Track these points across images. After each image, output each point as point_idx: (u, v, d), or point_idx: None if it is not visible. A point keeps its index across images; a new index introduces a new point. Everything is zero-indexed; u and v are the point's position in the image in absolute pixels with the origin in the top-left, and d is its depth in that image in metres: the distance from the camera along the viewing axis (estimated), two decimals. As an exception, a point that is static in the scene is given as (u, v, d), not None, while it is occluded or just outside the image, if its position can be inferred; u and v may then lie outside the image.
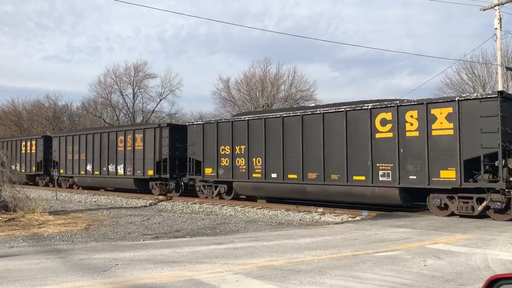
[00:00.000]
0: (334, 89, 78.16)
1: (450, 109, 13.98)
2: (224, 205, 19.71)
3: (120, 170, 26.04)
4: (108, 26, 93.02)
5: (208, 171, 21.10)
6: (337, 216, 15.93)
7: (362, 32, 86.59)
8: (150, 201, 22.83)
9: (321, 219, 15.81)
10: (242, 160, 19.76)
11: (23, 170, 34.08)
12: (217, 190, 21.26)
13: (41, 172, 33.27)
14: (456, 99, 13.97)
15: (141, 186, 25.30)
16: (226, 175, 20.40)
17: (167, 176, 23.39)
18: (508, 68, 28.78)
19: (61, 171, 30.35)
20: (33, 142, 34.06)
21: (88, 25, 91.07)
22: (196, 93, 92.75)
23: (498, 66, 25.33)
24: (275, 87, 48.69)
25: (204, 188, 22.03)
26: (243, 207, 19.06)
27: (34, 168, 33.73)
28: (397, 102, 15.42)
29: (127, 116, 56.09)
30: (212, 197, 21.48)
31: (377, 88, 75.27)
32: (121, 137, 25.94)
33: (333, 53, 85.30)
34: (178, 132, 23.46)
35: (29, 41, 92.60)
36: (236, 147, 19.97)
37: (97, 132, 28.46)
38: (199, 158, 21.53)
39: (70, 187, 30.66)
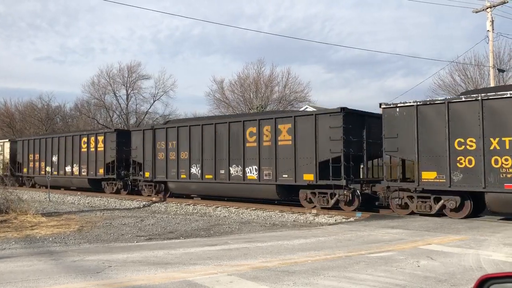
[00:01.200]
0: (327, 91, 78.43)
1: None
2: (218, 207, 19.69)
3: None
4: (102, 27, 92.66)
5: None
6: (331, 217, 15.96)
7: (356, 33, 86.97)
8: (144, 203, 22.77)
9: (315, 220, 15.83)
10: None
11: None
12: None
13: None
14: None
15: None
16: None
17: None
18: (500, 70, 29.01)
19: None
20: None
21: (81, 26, 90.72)
22: (190, 94, 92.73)
23: (490, 68, 25.53)
24: (269, 88, 48.76)
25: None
26: (237, 208, 19.06)
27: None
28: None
29: (121, 117, 55.90)
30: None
31: (371, 89, 75.64)
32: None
33: (327, 54, 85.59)
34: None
35: (22, 41, 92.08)
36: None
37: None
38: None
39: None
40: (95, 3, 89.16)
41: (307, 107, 40.84)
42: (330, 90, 78.97)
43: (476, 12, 25.10)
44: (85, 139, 28.08)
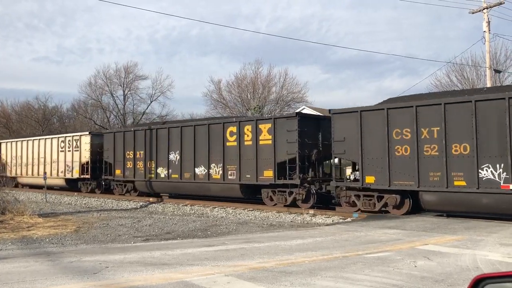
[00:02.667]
0: (325, 91, 78.57)
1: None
2: (215, 207, 19.69)
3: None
4: (99, 27, 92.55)
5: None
6: (328, 217, 15.98)
7: (353, 34, 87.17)
8: (141, 203, 22.73)
9: (312, 221, 15.84)
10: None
11: None
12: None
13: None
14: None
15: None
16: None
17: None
18: (496, 71, 29.10)
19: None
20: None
21: (78, 26, 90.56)
22: (187, 94, 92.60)
23: (487, 68, 25.60)
24: (266, 89, 48.79)
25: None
26: (234, 209, 19.06)
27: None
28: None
29: (118, 118, 55.81)
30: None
31: (368, 90, 75.82)
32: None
33: (325, 55, 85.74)
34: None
35: (19, 42, 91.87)
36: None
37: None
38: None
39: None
40: (92, 3, 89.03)
41: (304, 108, 40.91)
42: (328, 90, 79.18)
43: (473, 13, 25.17)
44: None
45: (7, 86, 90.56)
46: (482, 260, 7.68)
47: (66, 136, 29.73)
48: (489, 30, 24.65)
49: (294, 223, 15.58)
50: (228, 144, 19.73)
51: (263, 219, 16.72)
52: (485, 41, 24.80)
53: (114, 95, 55.58)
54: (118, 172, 25.22)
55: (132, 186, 25.12)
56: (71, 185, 29.09)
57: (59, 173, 29.47)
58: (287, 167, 17.57)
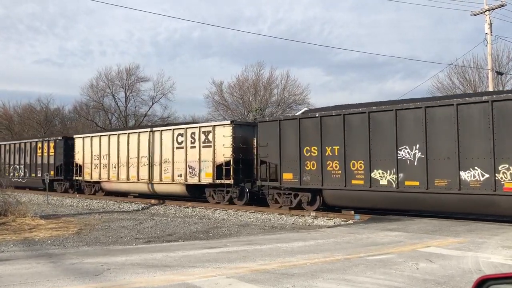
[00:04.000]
0: (326, 93, 78.52)
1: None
2: (217, 209, 19.70)
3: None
4: (101, 29, 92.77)
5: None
6: (330, 219, 15.97)
7: (355, 36, 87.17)
8: (143, 205, 22.75)
9: (314, 223, 15.83)
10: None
11: None
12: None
13: None
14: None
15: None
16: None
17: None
18: (498, 73, 29.07)
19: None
20: None
21: (80, 29, 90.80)
22: (189, 96, 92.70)
23: (489, 70, 25.57)
24: (268, 91, 48.76)
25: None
26: (236, 211, 19.05)
27: None
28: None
29: (120, 120, 55.85)
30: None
31: (370, 92, 75.73)
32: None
33: (327, 57, 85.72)
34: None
35: (21, 44, 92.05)
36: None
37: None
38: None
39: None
40: (94, 5, 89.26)
41: (306, 110, 40.84)
42: (330, 92, 79.11)
43: (475, 15, 25.16)
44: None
45: (9, 88, 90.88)
46: (484, 263, 7.66)
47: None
48: (491, 32, 24.64)
49: (295, 225, 15.57)
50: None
51: (264, 221, 16.71)
52: (487, 43, 24.78)
53: (116, 97, 55.69)
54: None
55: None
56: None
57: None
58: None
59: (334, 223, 15.45)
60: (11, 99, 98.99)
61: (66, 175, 29.45)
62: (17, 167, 33.75)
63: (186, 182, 21.96)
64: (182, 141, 22.27)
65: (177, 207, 21.36)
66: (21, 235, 12.38)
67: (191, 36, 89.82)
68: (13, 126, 58.98)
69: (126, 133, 25.45)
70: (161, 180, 23.17)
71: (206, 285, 6.29)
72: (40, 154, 31.38)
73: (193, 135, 21.83)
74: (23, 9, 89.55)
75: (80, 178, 28.10)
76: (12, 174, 33.37)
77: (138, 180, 24.32)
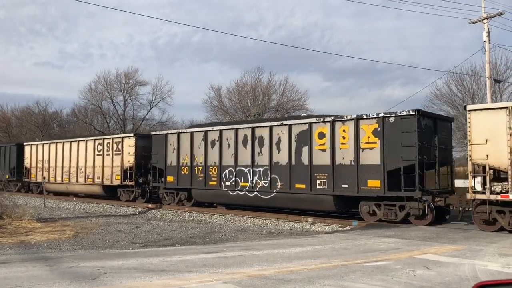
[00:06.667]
0: (326, 99, 78.65)
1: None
2: (214, 214, 19.66)
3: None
4: (101, 33, 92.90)
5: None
6: (327, 225, 15.94)
7: (355, 42, 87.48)
8: (140, 209, 22.70)
9: (311, 229, 15.81)
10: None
11: None
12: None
13: None
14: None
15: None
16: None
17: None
18: (496, 81, 29.17)
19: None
20: None
21: (81, 32, 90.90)
22: (188, 101, 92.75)
23: (487, 78, 25.66)
24: (266, 96, 48.83)
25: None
26: (233, 216, 19.02)
27: None
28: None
29: (118, 123, 55.79)
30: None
31: (369, 98, 75.86)
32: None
33: (326, 63, 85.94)
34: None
35: (21, 46, 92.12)
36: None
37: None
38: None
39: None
40: (95, 9, 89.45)
41: (304, 115, 40.90)
42: (329, 98, 79.22)
43: (473, 23, 25.26)
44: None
45: (8, 91, 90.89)
46: (481, 270, 7.66)
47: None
48: (489, 40, 24.73)
49: (293, 230, 15.55)
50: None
51: (262, 226, 16.68)
52: (485, 51, 24.87)
53: (114, 101, 55.61)
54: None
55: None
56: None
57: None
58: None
59: (332, 229, 15.43)
60: (10, 102, 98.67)
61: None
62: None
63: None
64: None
65: (174, 211, 21.31)
66: (17, 238, 12.34)
67: (191, 41, 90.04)
68: (11, 129, 58.88)
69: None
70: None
71: (202, 290, 6.27)
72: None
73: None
74: (24, 12, 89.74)
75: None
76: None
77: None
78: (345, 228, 15.13)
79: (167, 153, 22.21)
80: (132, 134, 25.53)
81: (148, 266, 7.98)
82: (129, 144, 24.81)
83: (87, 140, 27.98)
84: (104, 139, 26.88)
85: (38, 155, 31.98)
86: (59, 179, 29.96)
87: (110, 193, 26.36)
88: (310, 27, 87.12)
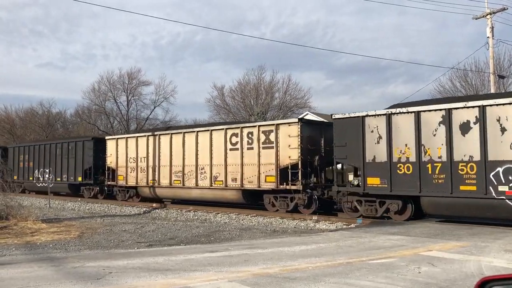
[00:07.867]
0: (329, 97, 78.60)
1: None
2: (218, 213, 19.67)
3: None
4: (104, 33, 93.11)
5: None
6: (332, 223, 15.94)
7: (358, 40, 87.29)
8: (144, 209, 22.74)
9: (316, 227, 15.80)
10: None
11: None
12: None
13: None
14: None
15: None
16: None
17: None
18: (500, 76, 29.05)
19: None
20: None
21: (83, 32, 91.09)
22: (191, 100, 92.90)
23: (491, 74, 25.56)
24: (269, 94, 48.83)
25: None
26: (237, 215, 19.03)
27: None
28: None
29: (121, 123, 55.94)
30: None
31: (372, 96, 75.77)
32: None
33: (329, 61, 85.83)
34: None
35: (24, 48, 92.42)
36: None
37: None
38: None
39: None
40: (97, 9, 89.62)
41: (307, 114, 40.91)
42: (332, 96, 79.21)
43: (476, 18, 25.18)
44: None
45: (11, 92, 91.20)
46: (487, 267, 7.64)
47: (242, 127, 19.97)
48: (493, 36, 24.63)
49: (297, 229, 15.55)
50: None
51: (266, 225, 16.69)
52: (488, 46, 24.78)
53: (118, 101, 55.81)
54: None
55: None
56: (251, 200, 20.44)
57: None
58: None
59: (336, 227, 15.42)
60: (13, 103, 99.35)
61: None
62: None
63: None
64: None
65: (178, 211, 21.35)
66: (23, 239, 12.39)
67: (194, 40, 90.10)
68: (15, 130, 59.10)
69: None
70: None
71: (208, 289, 6.28)
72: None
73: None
74: (27, 13, 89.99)
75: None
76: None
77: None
78: (349, 226, 15.11)
79: (365, 144, 15.42)
80: (296, 120, 18.59)
81: (153, 266, 8.00)
82: (290, 133, 18.00)
83: (212, 130, 20.93)
84: (242, 127, 19.76)
85: (128, 152, 25.16)
86: (165, 182, 22.95)
87: (252, 199, 20.04)
88: (312, 25, 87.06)
